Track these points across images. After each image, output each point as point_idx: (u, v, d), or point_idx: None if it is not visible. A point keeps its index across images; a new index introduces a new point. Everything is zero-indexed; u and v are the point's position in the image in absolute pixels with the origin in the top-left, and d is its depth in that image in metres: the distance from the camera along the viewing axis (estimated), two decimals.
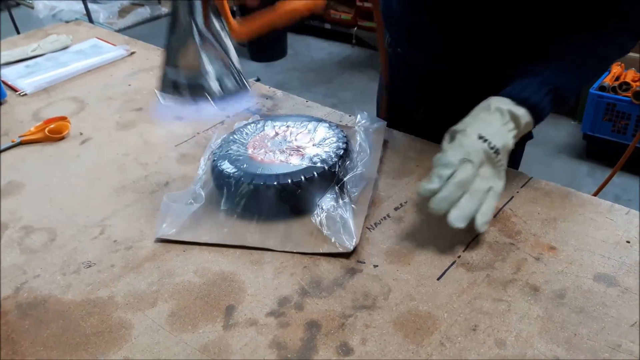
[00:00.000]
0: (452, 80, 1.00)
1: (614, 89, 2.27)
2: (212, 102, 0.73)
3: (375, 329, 0.63)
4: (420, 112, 1.10)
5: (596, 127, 2.37)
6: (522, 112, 0.76)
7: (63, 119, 1.11)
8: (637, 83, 2.25)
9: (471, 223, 0.78)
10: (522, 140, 1.09)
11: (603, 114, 2.32)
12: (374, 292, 0.68)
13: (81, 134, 1.09)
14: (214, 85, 0.73)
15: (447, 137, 0.77)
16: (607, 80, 2.31)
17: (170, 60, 0.72)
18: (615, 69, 2.36)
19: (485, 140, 0.73)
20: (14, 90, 1.28)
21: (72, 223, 0.84)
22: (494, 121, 0.76)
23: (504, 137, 0.75)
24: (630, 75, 2.31)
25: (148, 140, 1.05)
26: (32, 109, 1.20)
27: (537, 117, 0.78)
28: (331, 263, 0.73)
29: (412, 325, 0.64)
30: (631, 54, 2.43)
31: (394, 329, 0.63)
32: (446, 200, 0.71)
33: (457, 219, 0.71)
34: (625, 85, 2.26)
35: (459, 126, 0.77)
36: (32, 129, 1.08)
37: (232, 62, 0.76)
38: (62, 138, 1.08)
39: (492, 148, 0.73)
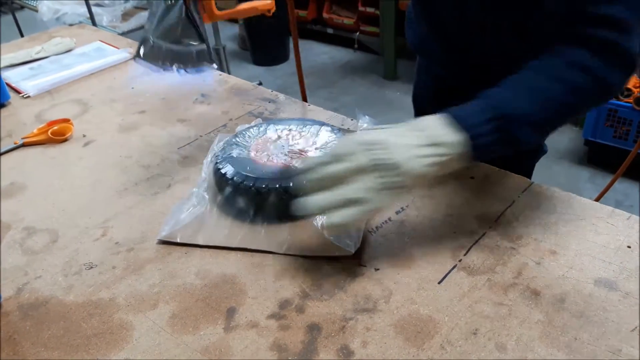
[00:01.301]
0: (460, 90, 1.02)
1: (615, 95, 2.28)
2: (184, 69, 0.89)
3: (376, 332, 0.64)
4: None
5: (597, 133, 2.37)
6: (450, 138, 0.66)
7: (66, 121, 1.11)
8: (639, 89, 2.25)
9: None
10: (534, 158, 1.08)
11: (604, 120, 2.32)
12: (375, 295, 0.68)
13: (84, 136, 1.09)
14: (193, 56, 0.90)
15: (364, 129, 0.72)
16: None
17: (158, 33, 0.86)
18: None
19: (376, 152, 0.64)
20: (18, 92, 1.29)
21: (74, 225, 0.85)
22: (409, 141, 0.66)
23: (409, 159, 0.64)
24: (632, 82, 2.31)
25: (151, 143, 1.05)
26: (35, 111, 1.20)
27: (475, 146, 0.66)
28: (332, 266, 0.73)
29: (412, 329, 0.64)
30: None
31: (394, 332, 0.64)
32: (310, 183, 0.67)
33: (304, 205, 0.66)
34: (627, 92, 2.26)
35: (380, 126, 0.69)
36: (35, 130, 1.09)
37: (206, 41, 0.91)
38: (65, 140, 1.08)
39: (380, 162, 0.64)
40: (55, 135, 1.07)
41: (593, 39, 0.69)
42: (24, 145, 1.07)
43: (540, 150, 1.09)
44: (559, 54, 0.71)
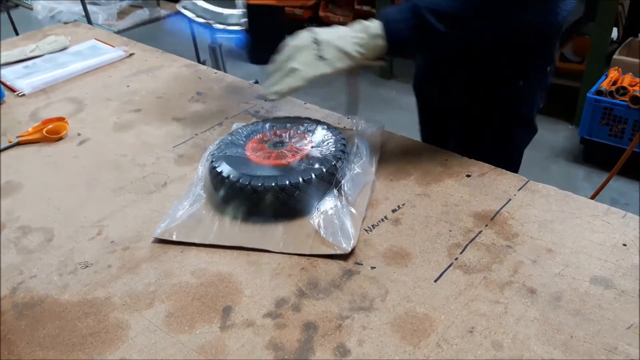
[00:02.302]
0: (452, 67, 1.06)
1: (611, 94, 2.28)
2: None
3: (373, 331, 0.64)
4: (432, 90, 1.18)
5: (593, 132, 2.38)
6: (373, 24, 0.85)
7: (61, 119, 1.11)
8: (634, 87, 2.26)
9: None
10: (526, 135, 1.11)
11: (600, 118, 2.32)
12: (371, 294, 0.68)
13: (79, 134, 1.09)
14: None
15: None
16: (604, 84, 2.32)
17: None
18: (613, 73, 2.37)
19: (311, 32, 0.86)
20: (13, 90, 1.28)
21: (69, 223, 0.84)
22: (343, 28, 0.87)
23: (338, 37, 0.85)
24: (627, 80, 2.31)
25: (146, 141, 1.05)
26: (30, 109, 1.20)
27: (391, 33, 0.83)
28: (329, 265, 0.73)
29: (409, 327, 0.64)
30: (630, 59, 2.43)
31: (391, 330, 0.63)
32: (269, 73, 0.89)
33: (263, 85, 0.90)
34: (622, 90, 2.26)
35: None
36: (30, 129, 1.08)
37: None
38: (60, 138, 1.08)
39: (313, 38, 0.85)
40: (50, 133, 1.07)
41: None
42: (19, 143, 1.06)
43: (531, 127, 1.10)
44: None
